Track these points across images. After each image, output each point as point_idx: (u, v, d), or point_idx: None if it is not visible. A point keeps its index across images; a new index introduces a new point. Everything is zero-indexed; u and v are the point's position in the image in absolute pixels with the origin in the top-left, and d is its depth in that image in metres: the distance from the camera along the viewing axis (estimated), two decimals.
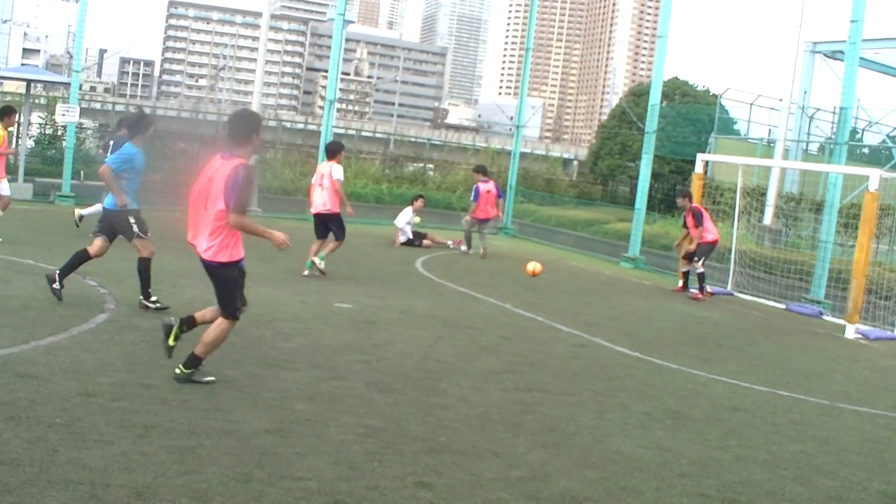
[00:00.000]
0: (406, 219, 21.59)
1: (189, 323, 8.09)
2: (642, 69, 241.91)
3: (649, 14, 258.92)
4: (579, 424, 7.92)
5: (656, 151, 24.99)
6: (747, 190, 22.27)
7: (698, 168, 19.37)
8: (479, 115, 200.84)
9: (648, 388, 9.70)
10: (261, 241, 7.89)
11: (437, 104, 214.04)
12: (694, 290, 17.82)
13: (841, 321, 16.17)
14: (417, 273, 16.52)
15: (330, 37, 26.22)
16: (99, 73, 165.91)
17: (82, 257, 10.74)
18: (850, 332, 15.61)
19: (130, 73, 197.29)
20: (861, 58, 25.45)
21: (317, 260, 14.69)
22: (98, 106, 65.46)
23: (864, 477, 7.45)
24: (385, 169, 31.88)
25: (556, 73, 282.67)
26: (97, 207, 15.10)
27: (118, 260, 12.54)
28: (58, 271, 10.53)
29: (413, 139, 51.09)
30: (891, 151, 30.23)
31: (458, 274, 17.06)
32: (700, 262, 17.49)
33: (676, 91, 38.13)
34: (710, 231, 17.68)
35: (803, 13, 27.11)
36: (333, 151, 15.33)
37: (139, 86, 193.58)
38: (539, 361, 10.33)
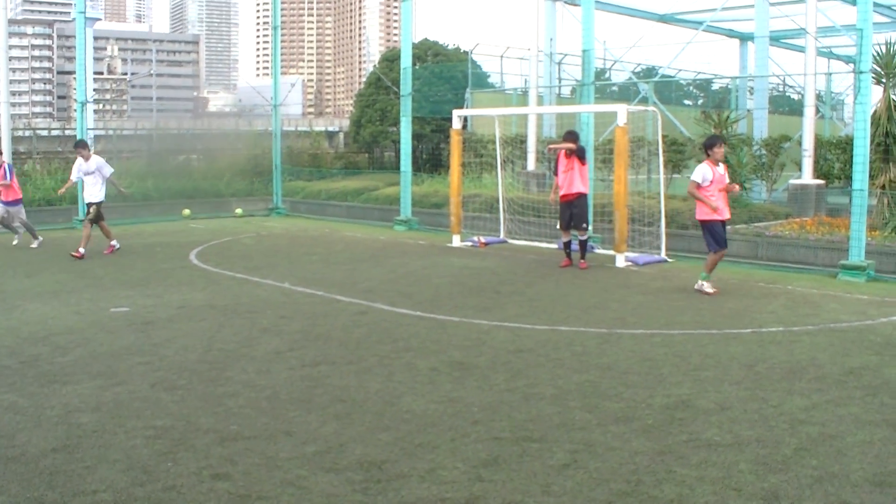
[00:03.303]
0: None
1: None
2: (395, 34, 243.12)
3: None
4: (368, 390, 7.94)
5: (416, 113, 25.19)
6: (508, 139, 22.73)
7: (456, 124, 19.62)
8: (240, 100, 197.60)
9: (433, 344, 9.82)
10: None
11: (196, 93, 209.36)
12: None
13: (611, 252, 16.76)
14: (192, 265, 16.15)
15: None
16: None
17: None
18: (621, 261, 16.21)
19: None
20: (599, 1, 26.38)
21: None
22: None
23: (646, 394, 7.78)
24: (149, 165, 31.00)
25: (312, 48, 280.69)
26: None
27: None
28: None
29: (174, 131, 49.73)
30: (637, 86, 31.41)
31: (233, 261, 16.78)
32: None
33: (428, 52, 38.43)
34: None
35: None
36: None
37: None
38: (322, 335, 10.30)
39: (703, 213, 13.33)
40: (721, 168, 13.45)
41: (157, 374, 8.57)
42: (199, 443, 6.57)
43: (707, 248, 13.55)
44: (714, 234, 13.32)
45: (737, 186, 14.08)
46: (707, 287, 13.22)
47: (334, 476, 5.90)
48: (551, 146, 16.79)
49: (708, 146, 13.47)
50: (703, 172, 13.23)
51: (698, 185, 13.23)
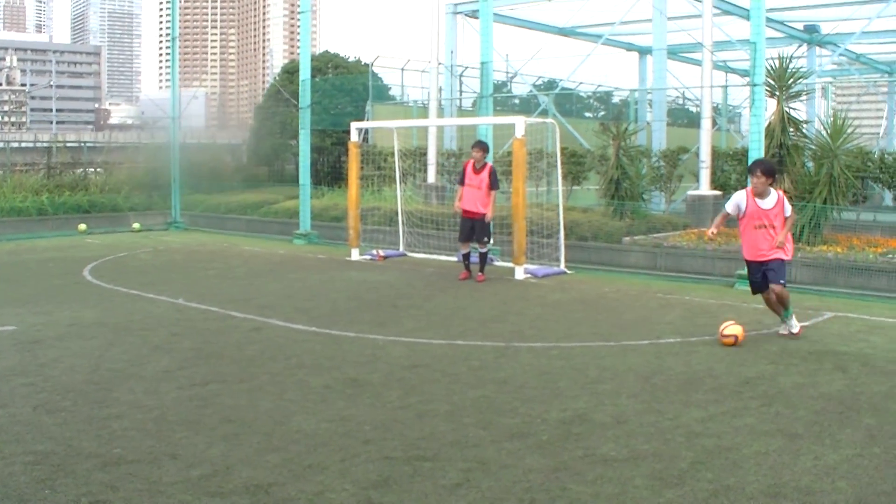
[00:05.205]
0: None
1: None
2: (299, 47, 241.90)
3: None
4: (259, 410, 7.74)
5: (316, 125, 25.05)
6: (407, 152, 22.62)
7: (354, 136, 19.48)
8: (143, 112, 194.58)
9: (327, 360, 9.65)
10: None
11: (97, 105, 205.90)
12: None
13: (510, 264, 16.73)
14: (86, 282, 15.74)
15: None
16: None
17: None
18: (520, 273, 16.19)
19: None
20: (499, 14, 26.52)
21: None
22: None
23: (542, 409, 7.71)
24: (45, 179, 30.27)
25: (215, 60, 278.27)
26: None
27: None
28: None
29: (73, 144, 48.63)
30: (538, 99, 31.59)
31: (128, 276, 16.38)
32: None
33: (329, 64, 38.22)
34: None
35: None
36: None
37: None
38: (214, 353, 10.04)
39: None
40: (769, 202, 10.90)
41: (41, 395, 8.25)
42: (79, 468, 6.31)
43: None
44: (748, 274, 11.48)
45: (778, 249, 10.89)
46: (784, 329, 11.16)
47: (220, 501, 5.71)
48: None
49: (749, 171, 11.25)
50: (737, 201, 11.07)
51: (726, 215, 11.37)
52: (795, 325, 11.06)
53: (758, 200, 10.90)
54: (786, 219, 10.97)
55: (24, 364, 9.51)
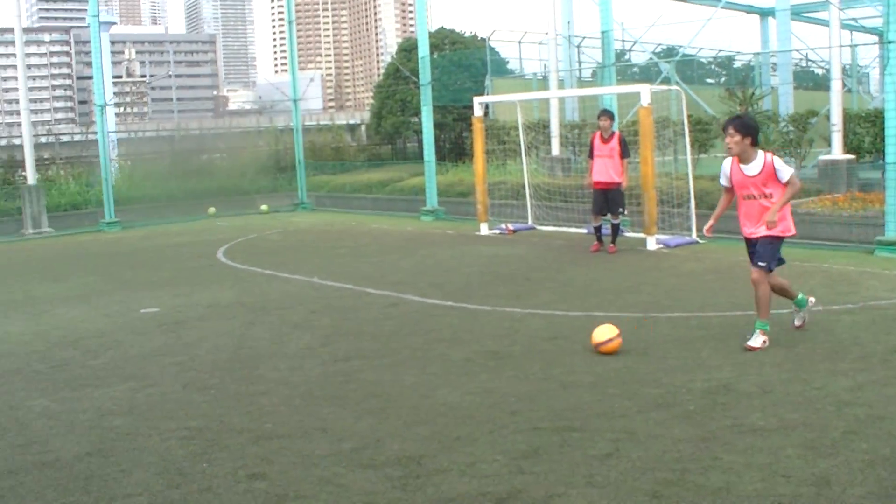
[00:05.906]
0: None
1: None
2: (411, 24, 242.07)
3: None
4: (403, 384, 7.83)
5: (436, 102, 25.10)
6: (530, 125, 22.55)
7: (477, 111, 19.45)
8: (260, 97, 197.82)
9: (466, 334, 9.70)
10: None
11: (215, 92, 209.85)
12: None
13: (641, 235, 16.55)
14: (220, 263, 16.12)
15: None
16: None
17: None
18: (652, 243, 16.00)
19: None
20: None
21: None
22: None
23: (686, 379, 7.62)
24: (173, 166, 31.07)
25: (329, 41, 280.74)
26: None
27: None
28: None
29: (195, 131, 49.77)
30: (658, 67, 31.14)
31: (261, 257, 16.71)
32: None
33: (445, 40, 38.32)
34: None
35: None
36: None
37: None
38: (354, 329, 10.19)
39: None
40: (753, 167, 8.94)
41: (189, 374, 8.50)
42: (233, 443, 6.48)
43: None
44: None
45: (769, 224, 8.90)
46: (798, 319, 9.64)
47: (372, 473, 5.79)
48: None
49: (723, 129, 9.23)
50: (723, 170, 9.32)
51: (726, 194, 9.53)
52: (800, 317, 9.51)
53: (742, 166, 9.02)
54: (785, 185, 8.87)
55: (169, 344, 9.81)
